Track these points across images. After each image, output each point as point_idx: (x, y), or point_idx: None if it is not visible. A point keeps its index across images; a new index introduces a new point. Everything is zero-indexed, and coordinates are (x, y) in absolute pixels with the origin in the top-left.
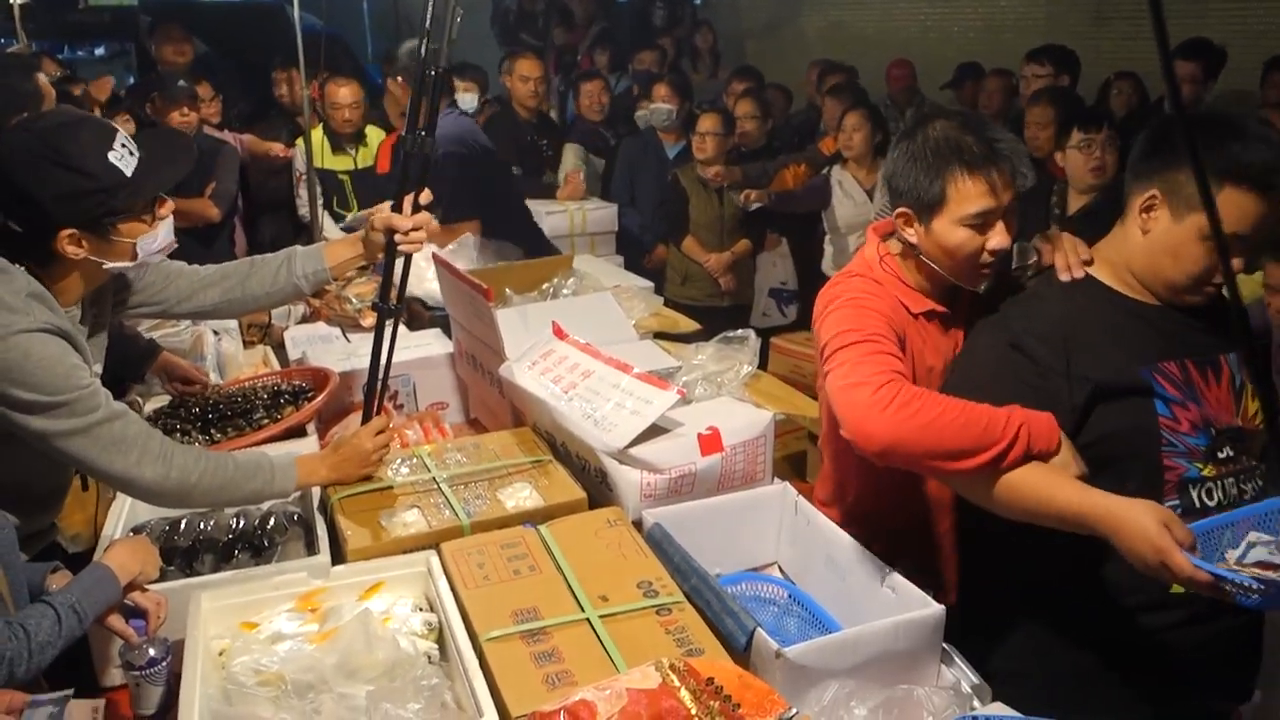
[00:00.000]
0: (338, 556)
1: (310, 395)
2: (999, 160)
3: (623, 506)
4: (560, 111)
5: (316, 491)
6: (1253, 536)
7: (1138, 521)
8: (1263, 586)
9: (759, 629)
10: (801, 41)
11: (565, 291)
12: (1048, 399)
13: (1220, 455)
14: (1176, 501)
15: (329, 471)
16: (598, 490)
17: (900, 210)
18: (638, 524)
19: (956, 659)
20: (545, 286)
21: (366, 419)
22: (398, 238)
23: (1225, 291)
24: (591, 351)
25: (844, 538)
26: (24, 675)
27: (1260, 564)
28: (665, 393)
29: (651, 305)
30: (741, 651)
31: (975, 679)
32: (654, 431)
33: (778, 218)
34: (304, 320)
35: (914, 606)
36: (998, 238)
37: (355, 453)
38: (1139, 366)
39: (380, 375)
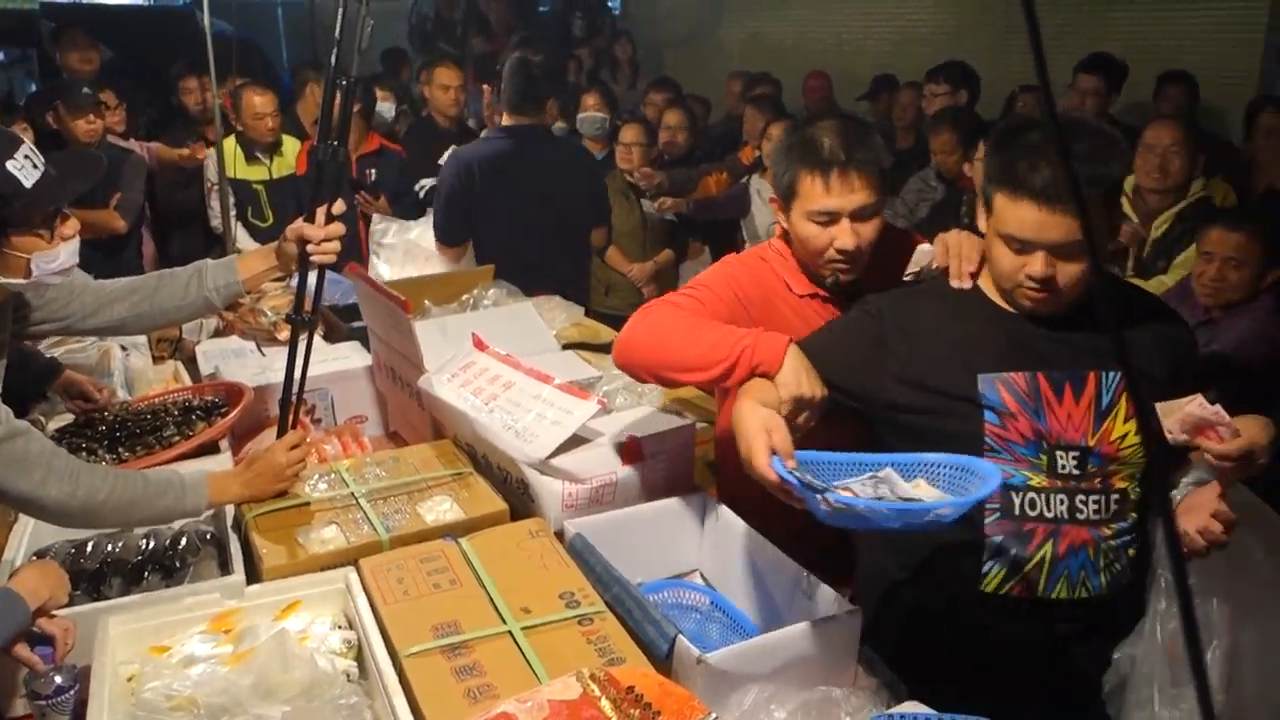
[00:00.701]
0: (253, 576)
1: (223, 411)
2: (849, 165)
3: (544, 517)
4: (478, 122)
5: (231, 509)
6: (886, 473)
7: (745, 423)
8: (841, 505)
9: (680, 636)
10: (720, 52)
11: (486, 303)
12: (873, 371)
13: (1060, 470)
14: (998, 506)
15: (242, 488)
16: (519, 501)
17: (772, 197)
18: (560, 534)
19: (874, 659)
20: (465, 298)
21: (281, 434)
22: (310, 248)
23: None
24: (512, 363)
25: (763, 543)
26: None
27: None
28: (586, 403)
29: (573, 315)
30: (663, 659)
31: (889, 675)
32: (575, 442)
33: (699, 226)
34: (216, 334)
35: (831, 609)
36: (843, 237)
37: (269, 468)
38: (980, 374)
39: (294, 389)
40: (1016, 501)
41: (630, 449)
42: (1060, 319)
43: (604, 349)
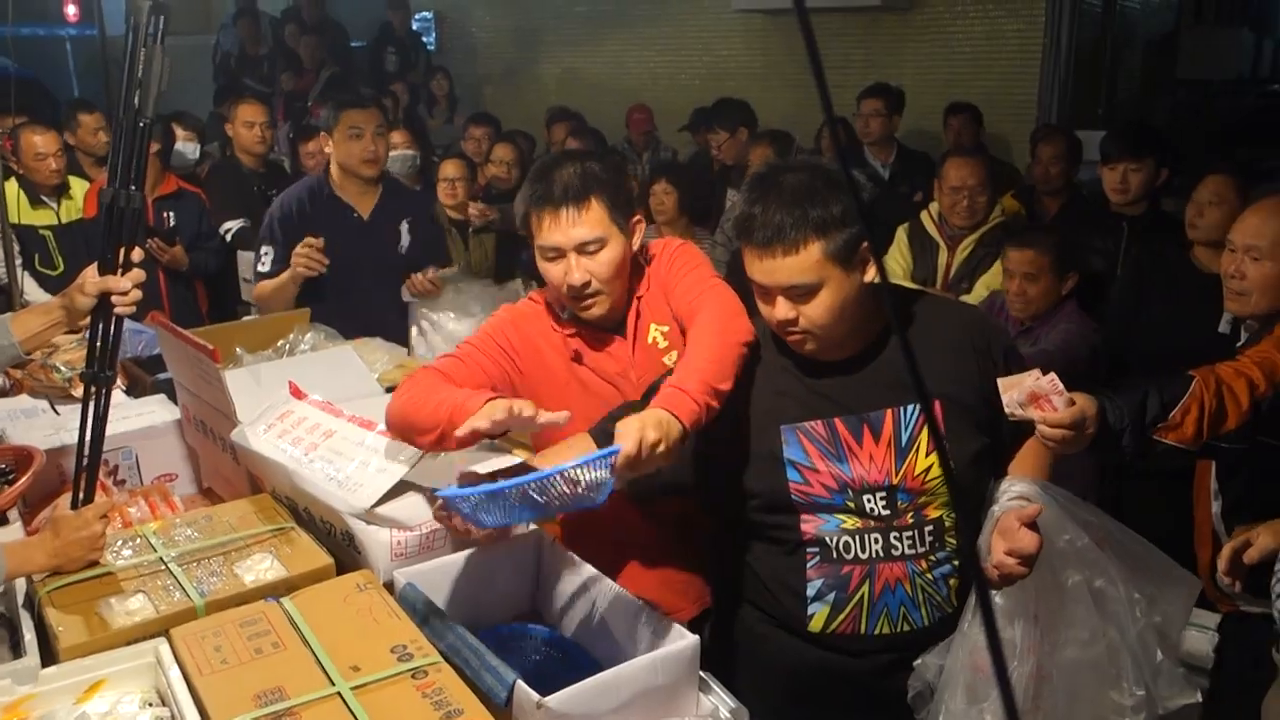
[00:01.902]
0: (48, 657)
1: (12, 477)
2: (574, 202)
3: (373, 569)
4: (292, 160)
5: (21, 585)
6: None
7: None
8: (468, 497)
9: (518, 681)
10: (537, 87)
11: (302, 348)
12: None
13: (870, 511)
14: (817, 550)
15: (49, 558)
16: (345, 554)
17: None
18: (390, 586)
19: (714, 685)
20: (280, 343)
21: (77, 500)
22: (115, 298)
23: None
24: (332, 410)
25: (601, 579)
26: None
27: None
28: (412, 448)
29: (395, 357)
30: (503, 706)
31: (733, 703)
32: (401, 488)
33: (529, 260)
34: (3, 394)
35: (670, 639)
36: (572, 274)
37: (81, 537)
38: (783, 425)
39: (92, 450)
40: (831, 545)
41: None
42: (852, 361)
43: None
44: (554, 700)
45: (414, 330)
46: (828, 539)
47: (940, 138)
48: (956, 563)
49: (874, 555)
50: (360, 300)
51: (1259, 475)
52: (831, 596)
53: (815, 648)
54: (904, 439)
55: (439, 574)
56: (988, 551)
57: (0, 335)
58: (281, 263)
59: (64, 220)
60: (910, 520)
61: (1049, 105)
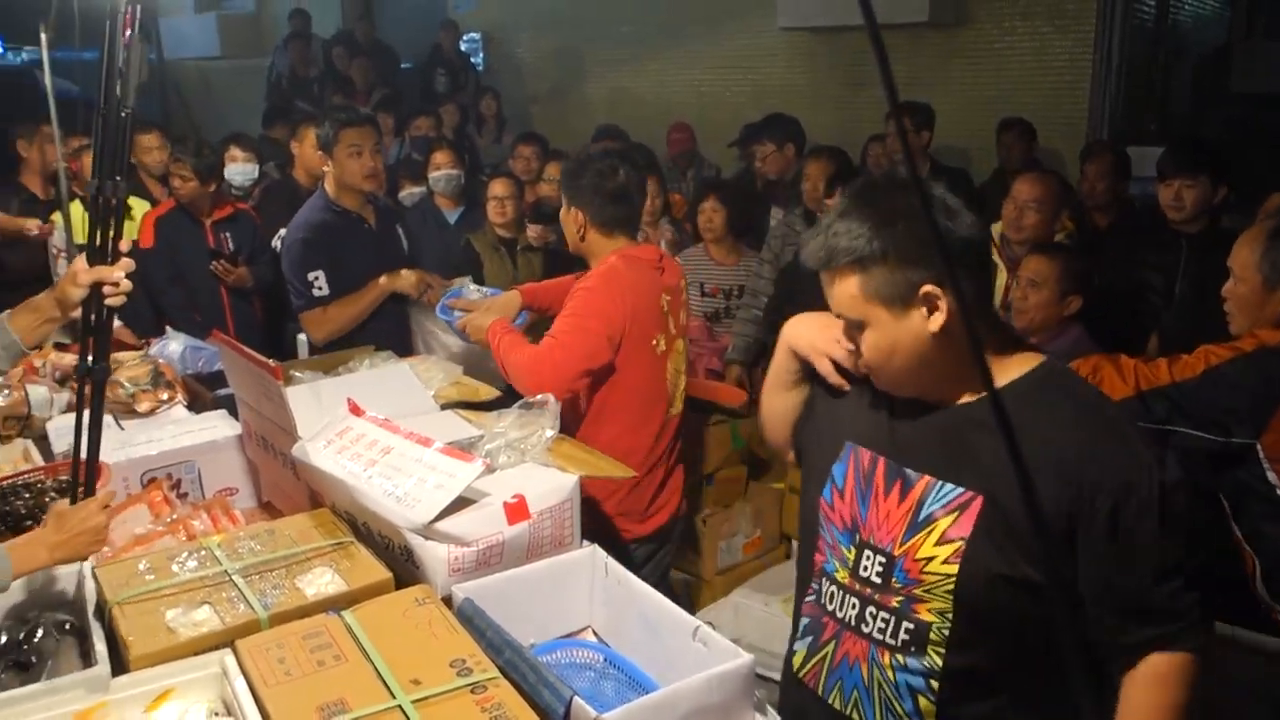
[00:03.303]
0: (119, 666)
1: (80, 491)
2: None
3: (431, 583)
4: None
5: (92, 596)
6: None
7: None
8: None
9: (576, 697)
10: (583, 106)
11: (363, 366)
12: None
13: (862, 573)
14: (817, 585)
15: (52, 552)
16: (404, 569)
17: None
18: (447, 600)
19: (768, 706)
20: (339, 368)
21: (75, 494)
22: (107, 289)
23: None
24: (390, 427)
25: (654, 595)
26: None
27: None
28: (470, 465)
29: (451, 374)
30: None
31: None
32: (459, 504)
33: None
34: (68, 409)
35: (725, 658)
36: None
37: (86, 528)
38: (845, 440)
39: (90, 443)
40: (822, 589)
41: (516, 508)
42: (929, 408)
43: (484, 407)
44: (610, 718)
45: (418, 340)
46: (825, 579)
47: (988, 154)
48: (934, 685)
49: (845, 620)
50: (385, 304)
51: None
52: (809, 640)
53: (793, 687)
54: (923, 514)
55: (496, 589)
56: None
57: (1, 335)
58: (334, 284)
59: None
60: (895, 604)
61: (1100, 121)
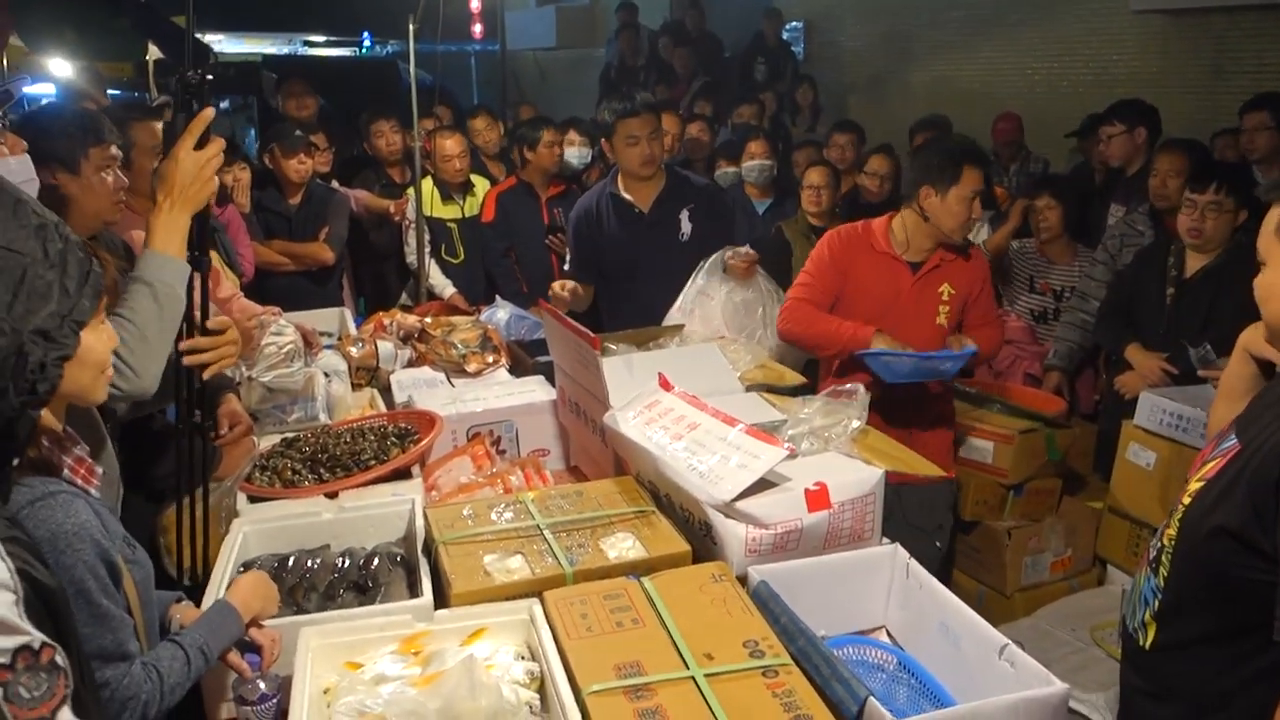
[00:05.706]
0: (441, 600)
1: (416, 437)
2: None
3: (727, 561)
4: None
5: (421, 533)
6: None
7: None
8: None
9: (871, 698)
10: (904, 95)
11: (672, 341)
12: None
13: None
14: None
15: (171, 213)
16: (701, 544)
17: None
18: (742, 580)
19: None
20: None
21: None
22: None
23: None
24: (698, 404)
25: (959, 604)
26: (155, 716)
27: None
28: (774, 448)
29: (757, 357)
30: None
31: None
32: (760, 486)
33: None
34: (409, 365)
35: (1035, 684)
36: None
37: (186, 175)
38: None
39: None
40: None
41: (817, 496)
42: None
43: (789, 392)
44: None
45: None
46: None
47: None
48: (1159, 585)
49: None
50: (642, 287)
51: None
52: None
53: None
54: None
55: (792, 575)
56: None
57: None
58: (577, 264)
59: (466, 215)
60: (1169, 533)
61: None
